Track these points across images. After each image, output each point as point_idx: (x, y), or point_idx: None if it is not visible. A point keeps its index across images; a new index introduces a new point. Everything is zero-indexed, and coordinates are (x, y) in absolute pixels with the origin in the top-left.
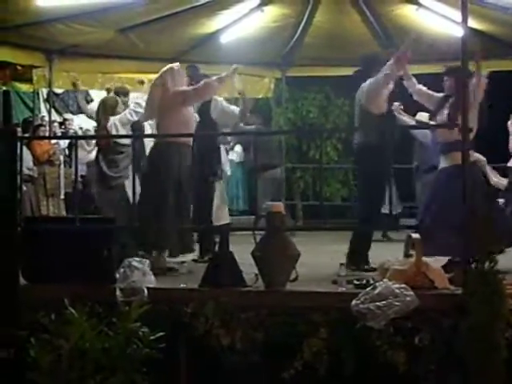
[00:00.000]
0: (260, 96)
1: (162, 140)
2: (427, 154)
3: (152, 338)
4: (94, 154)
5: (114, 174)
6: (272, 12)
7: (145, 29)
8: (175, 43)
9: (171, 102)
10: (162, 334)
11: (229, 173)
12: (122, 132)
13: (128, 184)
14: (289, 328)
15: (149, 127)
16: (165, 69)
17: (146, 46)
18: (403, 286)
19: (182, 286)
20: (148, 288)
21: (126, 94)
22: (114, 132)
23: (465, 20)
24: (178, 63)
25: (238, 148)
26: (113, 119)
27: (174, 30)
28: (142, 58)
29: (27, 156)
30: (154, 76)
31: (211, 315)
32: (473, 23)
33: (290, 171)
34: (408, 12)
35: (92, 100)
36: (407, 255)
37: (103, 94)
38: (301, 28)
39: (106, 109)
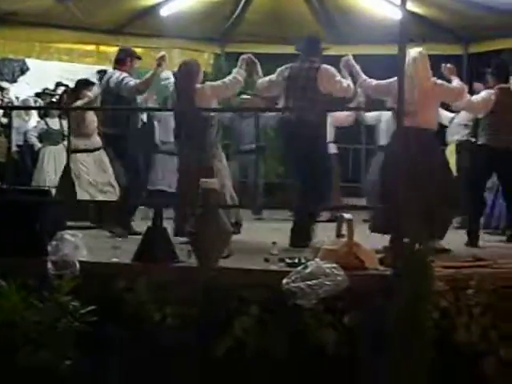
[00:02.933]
0: None
1: None
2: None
3: (83, 311)
4: (32, 123)
5: None
6: None
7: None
8: (115, 15)
9: None
10: (93, 307)
11: None
12: None
13: None
14: (220, 304)
15: None
16: None
17: (85, 17)
18: (334, 265)
19: (114, 260)
20: (80, 261)
21: None
22: None
23: (403, 3)
24: None
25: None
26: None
27: (113, 1)
28: (80, 29)
29: None
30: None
31: (143, 290)
32: (410, 6)
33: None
34: None
35: (28, 69)
36: (339, 235)
37: (39, 63)
38: (242, 4)
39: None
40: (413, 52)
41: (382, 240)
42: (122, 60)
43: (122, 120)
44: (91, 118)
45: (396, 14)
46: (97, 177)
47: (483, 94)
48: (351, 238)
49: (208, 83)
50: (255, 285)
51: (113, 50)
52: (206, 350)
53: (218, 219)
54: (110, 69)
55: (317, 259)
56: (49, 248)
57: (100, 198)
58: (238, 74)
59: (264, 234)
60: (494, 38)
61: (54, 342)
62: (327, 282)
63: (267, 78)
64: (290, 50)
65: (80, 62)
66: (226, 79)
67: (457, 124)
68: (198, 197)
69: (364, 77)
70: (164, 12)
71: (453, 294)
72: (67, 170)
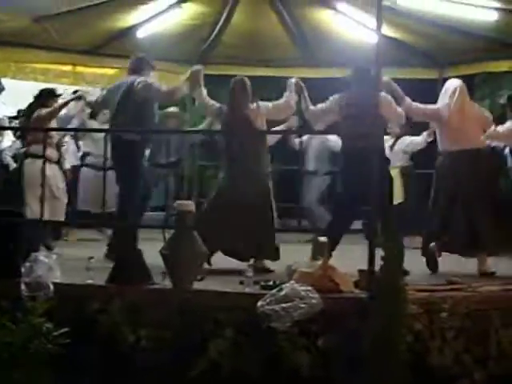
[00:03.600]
0: None
1: None
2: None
3: (56, 333)
4: (6, 143)
5: None
6: (190, 9)
7: (61, 19)
8: (91, 36)
9: None
10: (66, 329)
11: None
12: None
13: None
14: (195, 327)
15: None
16: None
17: (61, 37)
18: (309, 288)
19: (88, 281)
20: (54, 283)
21: None
22: None
23: (379, 27)
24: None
25: None
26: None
27: (90, 22)
28: (57, 49)
29: None
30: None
31: (117, 312)
32: (386, 30)
33: (203, 169)
34: (325, 16)
35: (3, 88)
36: (315, 258)
37: (15, 82)
38: (219, 26)
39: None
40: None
41: (357, 263)
42: (141, 68)
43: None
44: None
45: (372, 38)
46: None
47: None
48: (326, 260)
49: (262, 103)
50: (230, 307)
51: (89, 71)
52: (181, 372)
53: (193, 241)
54: (87, 89)
55: (292, 282)
56: (22, 269)
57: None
58: (289, 98)
59: None
60: (469, 62)
61: (26, 363)
62: (302, 305)
63: (319, 107)
64: (266, 72)
65: (56, 83)
66: (280, 102)
67: (399, 150)
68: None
69: (409, 100)
70: (140, 34)
71: (427, 317)
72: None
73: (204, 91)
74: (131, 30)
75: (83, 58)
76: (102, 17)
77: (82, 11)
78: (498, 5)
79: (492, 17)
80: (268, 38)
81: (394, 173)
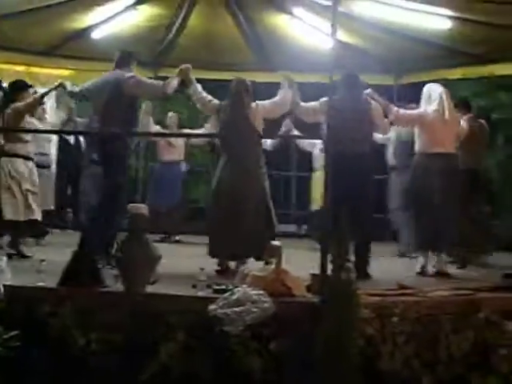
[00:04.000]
0: None
1: None
2: None
3: (6, 336)
4: None
5: None
6: (146, 11)
7: (16, 19)
8: (46, 36)
9: None
10: (16, 332)
11: None
12: None
13: None
14: (146, 330)
15: None
16: None
17: (16, 37)
18: (261, 292)
19: (39, 284)
20: (4, 285)
21: None
22: None
23: (334, 32)
24: None
25: None
26: None
27: (45, 22)
28: (11, 49)
29: None
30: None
31: (68, 315)
32: (342, 36)
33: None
34: (281, 21)
35: None
36: (267, 262)
37: None
38: (175, 29)
39: None
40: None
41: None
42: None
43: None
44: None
45: (327, 44)
46: (30, 188)
47: None
48: (279, 264)
49: (260, 102)
50: (182, 311)
51: (44, 72)
52: (132, 375)
53: (145, 244)
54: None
55: (244, 286)
56: None
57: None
58: (285, 93)
59: (192, 259)
60: (424, 69)
61: None
62: (254, 309)
63: (311, 105)
64: (221, 75)
65: None
66: (276, 99)
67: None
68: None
69: (395, 107)
70: (96, 35)
71: (378, 321)
72: None
73: (199, 86)
74: (87, 31)
75: (38, 59)
76: (57, 17)
77: (38, 11)
78: (452, 13)
79: (446, 25)
80: (224, 42)
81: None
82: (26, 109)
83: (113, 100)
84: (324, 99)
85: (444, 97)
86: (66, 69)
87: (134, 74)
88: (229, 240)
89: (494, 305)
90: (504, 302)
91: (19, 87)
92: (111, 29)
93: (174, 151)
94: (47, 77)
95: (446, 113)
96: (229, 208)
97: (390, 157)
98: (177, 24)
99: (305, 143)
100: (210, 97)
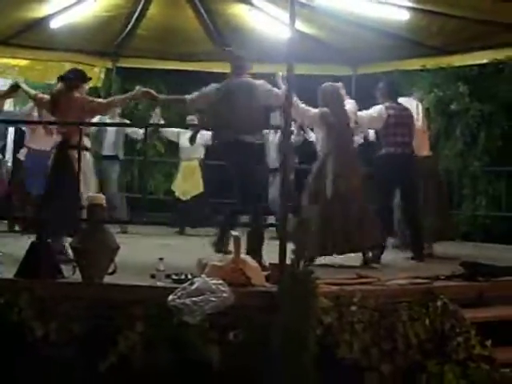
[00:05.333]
0: (90, 85)
1: None
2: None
3: None
4: None
5: None
6: (105, 1)
7: None
8: (3, 25)
9: None
10: None
11: None
12: None
13: None
14: (105, 320)
15: None
16: None
17: None
18: (220, 282)
19: None
20: None
21: None
22: None
23: (292, 22)
24: None
25: None
26: None
27: (2, 12)
28: None
29: None
30: None
31: (25, 306)
32: (301, 26)
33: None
34: (241, 11)
35: None
36: (226, 252)
37: None
38: (134, 19)
39: None
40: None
41: (269, 257)
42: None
43: None
44: None
45: (286, 34)
46: None
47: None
48: (238, 254)
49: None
50: (141, 301)
51: (0, 62)
52: (91, 365)
53: (103, 234)
54: None
55: (203, 275)
56: None
57: None
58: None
59: (150, 250)
60: (382, 60)
61: None
62: (213, 299)
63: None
64: (181, 66)
65: None
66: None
67: (199, 144)
68: None
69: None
70: (54, 24)
71: (337, 310)
72: None
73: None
74: (44, 20)
75: None
76: (14, 6)
77: None
78: (410, 4)
79: (404, 16)
80: (183, 32)
81: (195, 164)
82: None
83: None
84: (381, 107)
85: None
86: (24, 59)
87: None
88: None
89: (450, 293)
90: (460, 290)
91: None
92: (69, 18)
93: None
94: (4, 67)
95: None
96: (345, 203)
97: None
98: (136, 14)
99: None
100: (307, 107)
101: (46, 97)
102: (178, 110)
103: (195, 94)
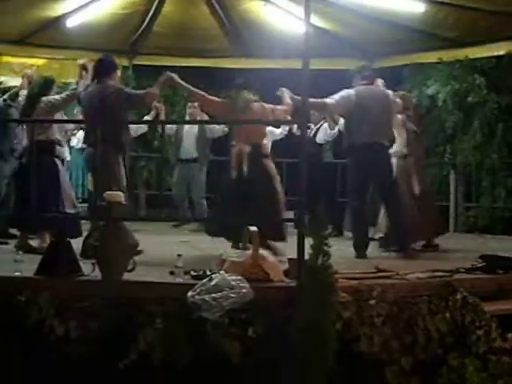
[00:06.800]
0: None
1: None
2: None
3: None
4: None
5: None
6: None
7: None
8: (20, 25)
9: None
10: None
11: (68, 158)
12: None
13: None
14: (125, 318)
15: None
16: None
17: None
18: (239, 278)
19: (16, 274)
20: None
21: None
22: None
23: (307, 17)
24: None
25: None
26: None
27: (19, 11)
28: None
29: None
30: None
31: (45, 304)
32: (316, 21)
33: (133, 160)
34: (255, 7)
35: None
36: (245, 247)
37: None
38: (149, 16)
39: None
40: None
41: (290, 252)
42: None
43: None
44: None
45: (301, 28)
46: None
47: None
48: (257, 250)
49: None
50: (160, 298)
51: (18, 61)
52: (111, 362)
53: (122, 231)
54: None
55: (222, 272)
56: None
57: None
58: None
59: (169, 246)
60: (398, 53)
61: None
62: (232, 295)
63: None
64: (197, 62)
65: None
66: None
67: None
68: None
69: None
70: (70, 23)
71: (356, 304)
72: None
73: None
74: (61, 19)
75: (11, 48)
76: (30, 6)
77: (10, 0)
78: None
79: (419, 8)
80: (199, 28)
81: None
82: None
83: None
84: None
85: None
86: (40, 58)
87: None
88: None
89: (470, 286)
90: (480, 283)
91: None
92: (85, 17)
93: None
94: (21, 66)
95: None
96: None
97: None
98: (151, 11)
99: None
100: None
101: None
102: None
103: (335, 98)
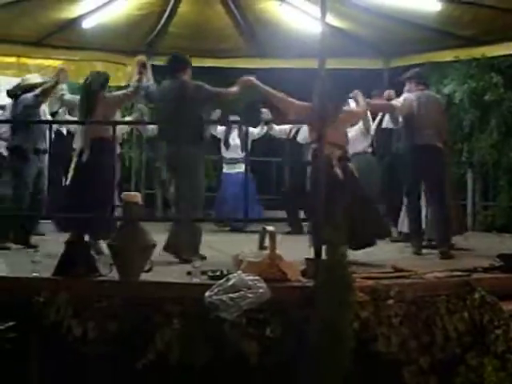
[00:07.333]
0: (123, 84)
1: None
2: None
3: (1, 327)
4: None
5: None
6: (136, 0)
7: (5, 10)
8: (36, 27)
9: None
10: (11, 323)
11: None
12: None
13: None
14: (142, 318)
15: None
16: None
17: (5, 28)
18: (257, 278)
19: (34, 274)
20: None
21: None
22: None
23: (323, 16)
24: None
25: None
26: None
27: (35, 13)
28: (1, 40)
29: None
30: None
31: (63, 305)
32: (332, 20)
33: (150, 160)
34: (271, 6)
35: None
36: (262, 247)
37: None
38: (165, 17)
39: None
40: None
41: (305, 252)
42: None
43: None
44: None
45: (317, 28)
46: None
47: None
48: (274, 250)
49: None
50: (177, 298)
51: (34, 63)
52: (128, 363)
53: (139, 232)
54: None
55: (239, 272)
56: None
57: None
58: None
59: None
60: (414, 52)
61: None
62: (249, 295)
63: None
64: (213, 62)
65: (0, 75)
66: None
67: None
68: None
69: None
70: (86, 24)
71: (373, 304)
72: None
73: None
74: (77, 20)
75: (28, 50)
76: (47, 7)
77: (27, 2)
78: None
79: (435, 7)
80: (214, 28)
81: None
82: None
83: None
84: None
85: None
86: (57, 59)
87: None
88: None
89: (488, 285)
90: (498, 283)
91: None
92: (101, 18)
93: None
94: (38, 67)
95: None
96: None
97: None
98: (167, 12)
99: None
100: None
101: None
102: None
103: (400, 101)
